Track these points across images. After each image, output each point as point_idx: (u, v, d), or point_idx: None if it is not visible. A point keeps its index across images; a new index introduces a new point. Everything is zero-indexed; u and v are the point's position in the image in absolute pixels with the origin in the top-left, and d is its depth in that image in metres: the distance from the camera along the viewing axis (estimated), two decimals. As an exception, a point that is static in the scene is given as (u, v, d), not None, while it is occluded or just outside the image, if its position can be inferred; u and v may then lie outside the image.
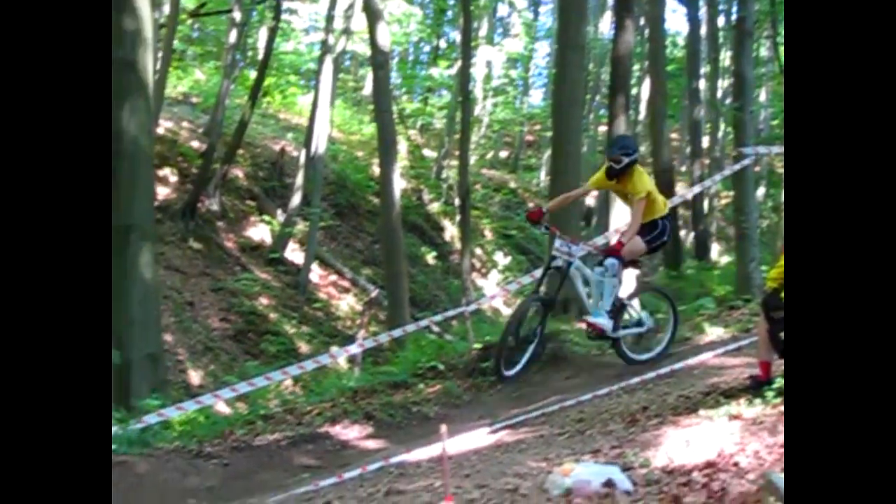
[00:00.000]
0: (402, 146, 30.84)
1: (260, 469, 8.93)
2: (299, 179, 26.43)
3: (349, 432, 9.52)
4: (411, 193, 32.13)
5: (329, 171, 29.17)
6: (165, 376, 14.62)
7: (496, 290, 27.57)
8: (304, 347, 22.10)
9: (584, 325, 10.90)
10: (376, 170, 28.33)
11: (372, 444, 9.71)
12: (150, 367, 13.19)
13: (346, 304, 26.03)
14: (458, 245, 29.35)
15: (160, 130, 25.89)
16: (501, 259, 32.94)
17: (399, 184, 21.25)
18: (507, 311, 27.19)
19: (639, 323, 10.66)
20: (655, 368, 9.76)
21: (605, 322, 10.24)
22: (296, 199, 26.31)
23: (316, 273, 26.35)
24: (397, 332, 13.30)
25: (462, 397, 11.76)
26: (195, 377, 20.19)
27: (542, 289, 10.91)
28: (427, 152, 36.92)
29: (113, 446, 9.54)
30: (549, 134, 29.98)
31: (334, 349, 18.63)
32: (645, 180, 10.25)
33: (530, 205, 9.41)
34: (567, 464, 5.84)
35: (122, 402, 12.44)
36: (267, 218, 27.31)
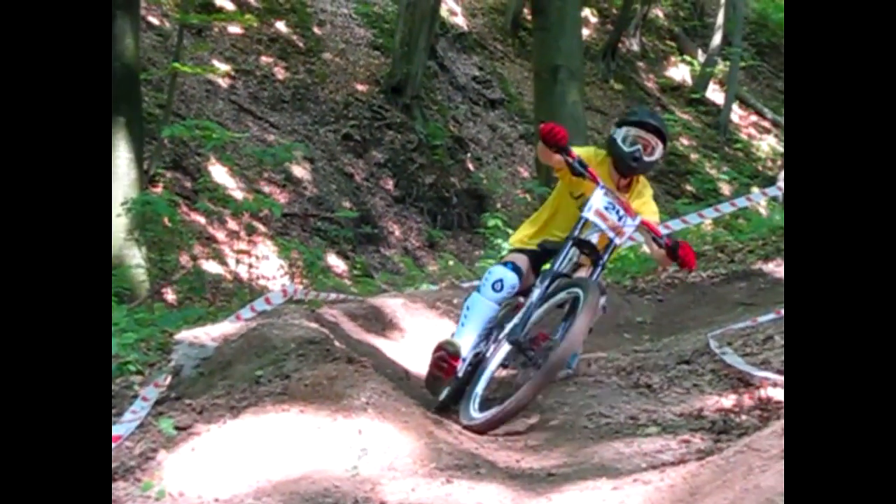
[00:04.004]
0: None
1: (693, 305, 9.05)
2: (720, 19, 25.78)
3: (782, 270, 9.41)
4: (837, 31, 30.69)
5: (749, 11, 28.28)
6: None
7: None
8: (725, 188, 21.88)
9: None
10: (800, 7, 27.25)
11: (806, 283, 9.57)
12: (575, 205, 13.59)
13: (767, 144, 25.47)
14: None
15: (581, -29, 26.05)
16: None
17: (825, 20, 20.35)
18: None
19: None
20: None
21: None
22: (716, 39, 25.72)
23: (736, 113, 25.88)
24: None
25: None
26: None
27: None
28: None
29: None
30: None
31: (755, 190, 18.37)
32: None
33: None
34: None
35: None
36: (687, 58, 26.97)
